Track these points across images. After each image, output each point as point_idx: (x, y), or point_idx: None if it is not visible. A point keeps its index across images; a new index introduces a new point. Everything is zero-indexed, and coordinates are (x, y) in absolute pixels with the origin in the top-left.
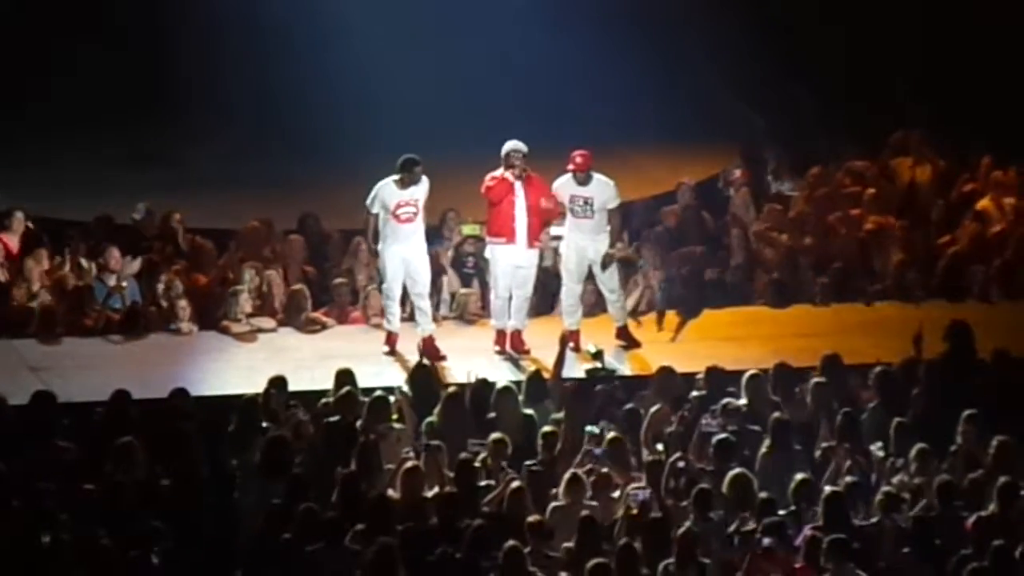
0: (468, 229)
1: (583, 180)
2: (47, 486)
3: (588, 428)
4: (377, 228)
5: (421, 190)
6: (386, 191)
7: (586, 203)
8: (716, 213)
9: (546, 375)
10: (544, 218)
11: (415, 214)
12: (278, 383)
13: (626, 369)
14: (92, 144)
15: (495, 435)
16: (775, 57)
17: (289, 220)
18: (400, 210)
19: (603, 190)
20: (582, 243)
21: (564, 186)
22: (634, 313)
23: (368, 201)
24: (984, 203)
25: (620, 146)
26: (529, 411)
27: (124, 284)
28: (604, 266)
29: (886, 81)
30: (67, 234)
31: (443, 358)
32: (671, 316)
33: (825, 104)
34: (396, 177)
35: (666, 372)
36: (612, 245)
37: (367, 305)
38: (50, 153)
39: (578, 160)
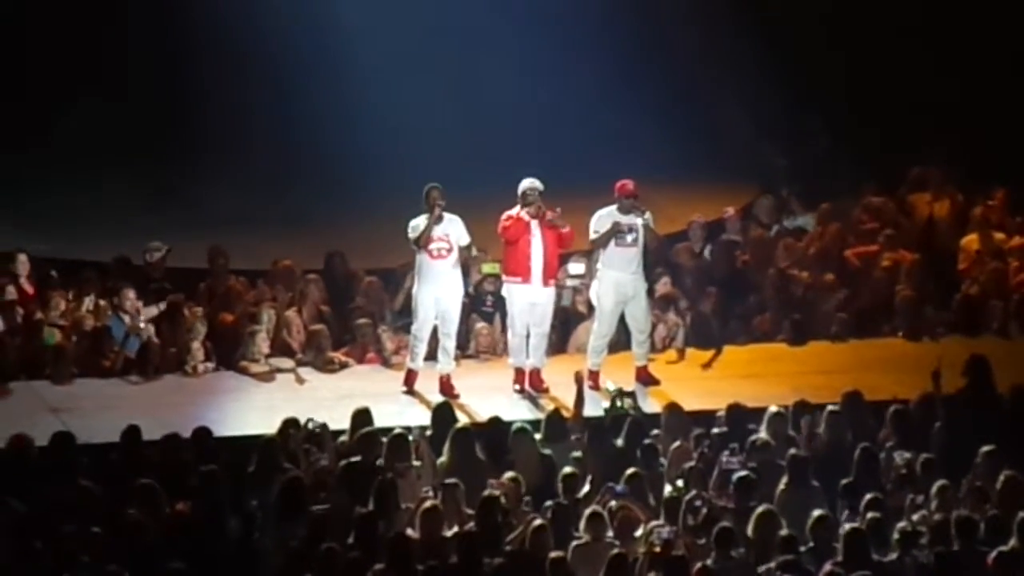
0: (488, 267)
1: (628, 208)
2: (68, 527)
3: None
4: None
5: (453, 227)
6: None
7: (631, 230)
8: (734, 251)
9: (566, 414)
10: (560, 254)
11: (448, 251)
12: (294, 424)
13: (646, 407)
14: (109, 184)
15: (509, 474)
16: (790, 92)
17: (308, 259)
18: (432, 245)
19: (643, 215)
20: (623, 279)
21: (609, 216)
22: (654, 349)
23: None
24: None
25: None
26: (547, 451)
27: (142, 325)
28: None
29: (904, 117)
30: (84, 275)
31: (457, 396)
32: (693, 352)
33: (841, 139)
34: (426, 214)
35: (673, 409)
36: (648, 280)
37: (380, 347)
38: (67, 193)
39: (628, 188)
